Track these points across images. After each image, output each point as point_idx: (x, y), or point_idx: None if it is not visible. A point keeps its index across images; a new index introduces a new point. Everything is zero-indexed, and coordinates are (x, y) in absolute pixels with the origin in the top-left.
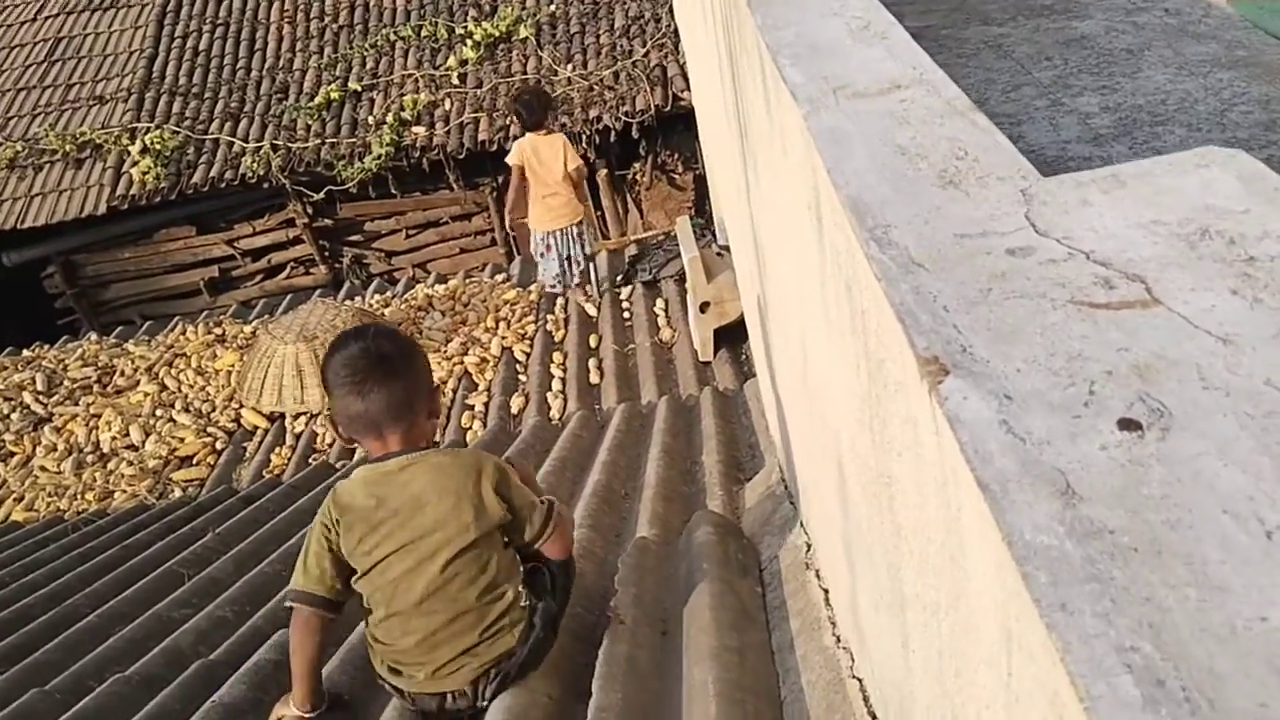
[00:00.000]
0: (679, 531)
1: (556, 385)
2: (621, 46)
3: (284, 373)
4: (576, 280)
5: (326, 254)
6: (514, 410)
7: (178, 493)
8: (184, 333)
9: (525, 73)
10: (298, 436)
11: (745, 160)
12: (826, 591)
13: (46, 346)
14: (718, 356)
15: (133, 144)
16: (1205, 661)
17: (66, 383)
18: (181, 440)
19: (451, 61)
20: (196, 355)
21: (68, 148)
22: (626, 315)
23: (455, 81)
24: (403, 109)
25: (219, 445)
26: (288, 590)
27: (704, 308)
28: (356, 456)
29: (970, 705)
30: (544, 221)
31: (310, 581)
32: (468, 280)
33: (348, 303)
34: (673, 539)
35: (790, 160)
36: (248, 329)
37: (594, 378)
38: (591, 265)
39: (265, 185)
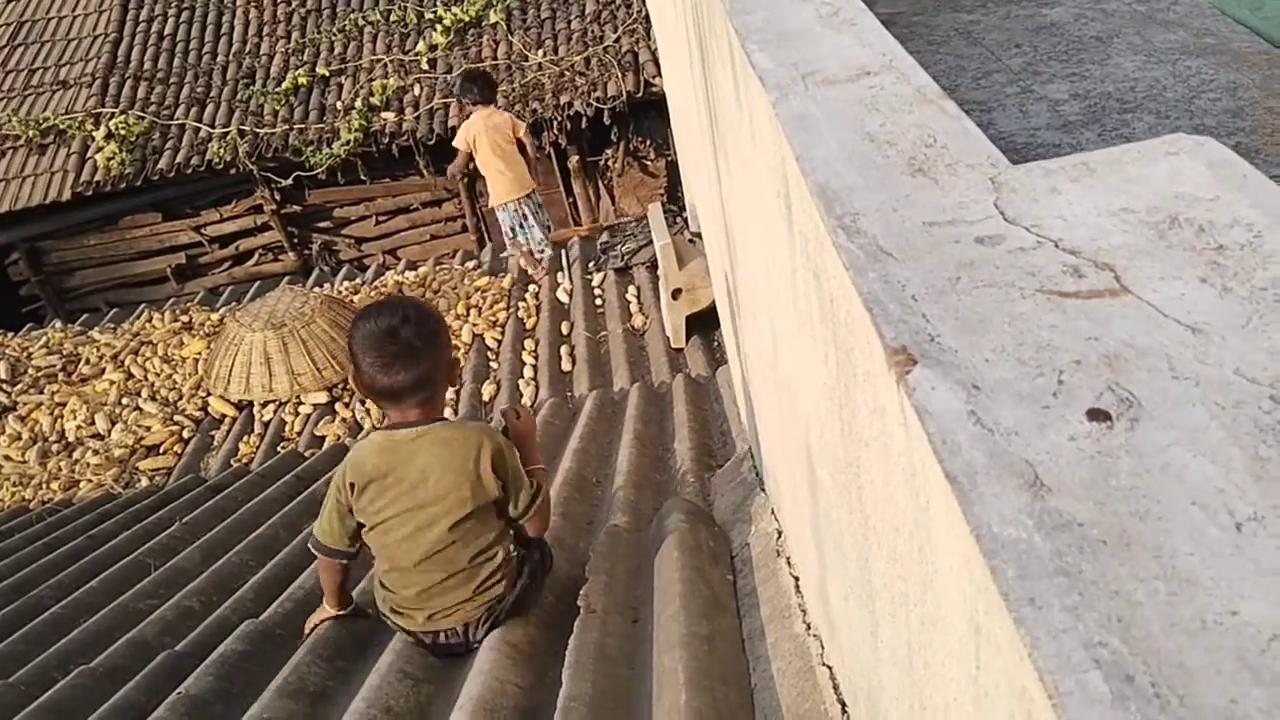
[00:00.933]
0: (650, 519)
1: (528, 372)
2: (593, 32)
3: (252, 360)
4: (538, 245)
5: (295, 241)
6: (485, 398)
7: (144, 482)
8: (150, 320)
9: (495, 58)
10: (266, 425)
11: (715, 147)
12: (797, 579)
13: (10, 334)
14: (690, 343)
15: (97, 129)
16: (1175, 657)
17: (31, 371)
18: (148, 429)
19: (421, 46)
20: (163, 343)
21: (31, 133)
22: (599, 302)
23: (425, 67)
24: (372, 94)
25: (186, 434)
26: (310, 538)
27: (676, 294)
28: (325, 446)
29: (938, 697)
30: (512, 191)
31: (327, 537)
32: (438, 267)
33: (316, 290)
34: (644, 527)
35: (759, 147)
36: (215, 316)
37: (565, 365)
38: (542, 235)
39: (233, 171)
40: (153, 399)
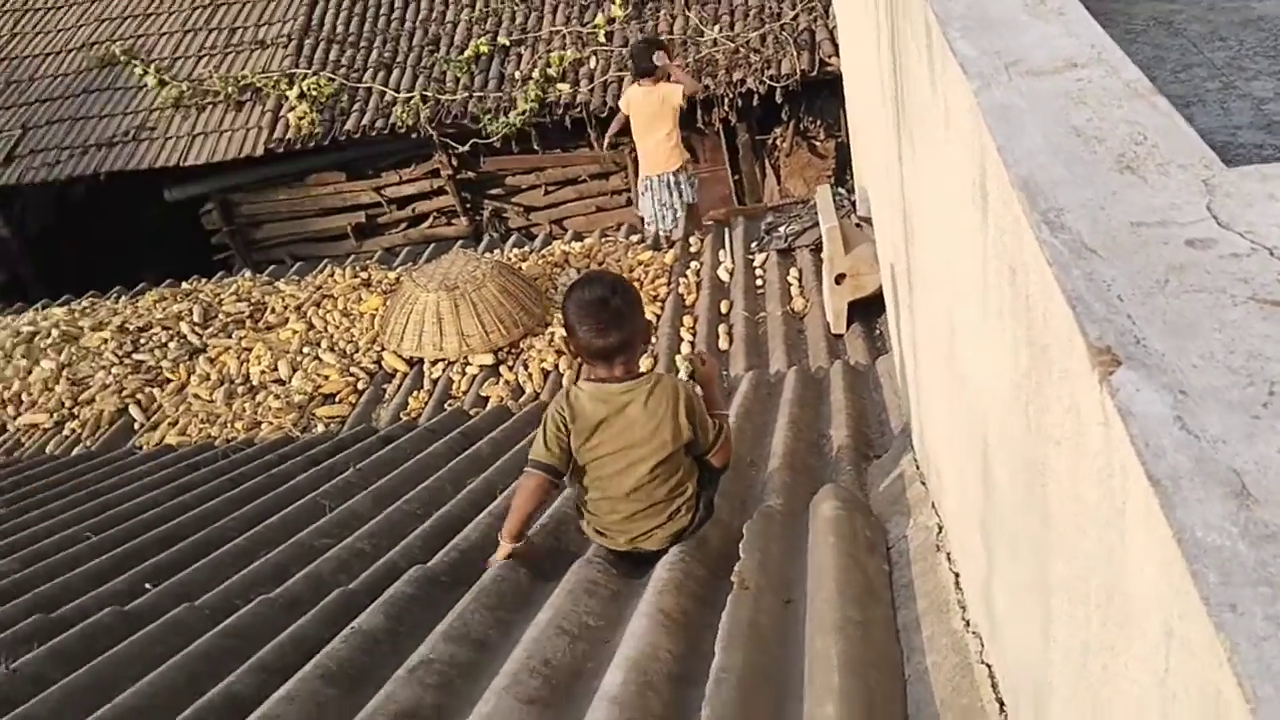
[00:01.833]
0: (805, 504)
1: (685, 349)
2: (770, 8)
3: (425, 320)
4: (667, 228)
5: (468, 206)
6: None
7: (320, 428)
8: (332, 275)
9: (671, 32)
10: (434, 382)
11: (899, 132)
12: (957, 575)
13: (203, 280)
14: (850, 329)
15: (291, 89)
16: None
17: (221, 316)
18: (326, 378)
19: (599, 19)
20: (343, 297)
21: (230, 90)
22: (759, 283)
23: (601, 39)
24: (549, 65)
25: (360, 385)
26: (529, 458)
27: (840, 279)
28: (488, 406)
29: (1117, 700)
30: (653, 168)
31: (546, 455)
32: (603, 239)
33: (488, 255)
34: (799, 510)
35: (954, 135)
36: (392, 275)
37: (723, 343)
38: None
39: (413, 135)
40: (331, 350)
